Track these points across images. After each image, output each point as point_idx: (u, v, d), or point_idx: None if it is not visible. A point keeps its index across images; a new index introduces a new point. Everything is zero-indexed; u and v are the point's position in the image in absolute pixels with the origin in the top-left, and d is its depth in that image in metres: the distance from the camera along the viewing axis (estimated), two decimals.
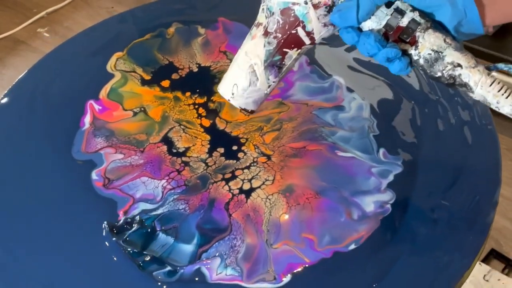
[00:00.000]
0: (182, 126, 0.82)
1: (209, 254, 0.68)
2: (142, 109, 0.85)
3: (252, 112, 0.64)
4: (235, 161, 0.77)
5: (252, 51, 0.60)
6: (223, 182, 0.75)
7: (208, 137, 0.80)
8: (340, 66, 0.89)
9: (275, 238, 0.69)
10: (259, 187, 0.74)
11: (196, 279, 0.66)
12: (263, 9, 0.60)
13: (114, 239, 0.69)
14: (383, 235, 0.69)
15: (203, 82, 0.88)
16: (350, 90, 0.85)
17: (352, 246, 0.68)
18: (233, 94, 0.62)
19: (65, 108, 0.86)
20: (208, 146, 0.79)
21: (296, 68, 0.89)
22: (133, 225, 0.71)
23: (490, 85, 0.54)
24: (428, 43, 0.54)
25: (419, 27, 0.54)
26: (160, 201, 0.73)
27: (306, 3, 0.56)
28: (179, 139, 0.80)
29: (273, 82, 0.61)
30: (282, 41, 0.58)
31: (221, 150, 0.79)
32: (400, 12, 0.54)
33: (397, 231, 0.69)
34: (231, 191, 0.74)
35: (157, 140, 0.80)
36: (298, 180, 0.75)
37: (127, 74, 0.90)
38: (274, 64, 0.60)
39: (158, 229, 0.70)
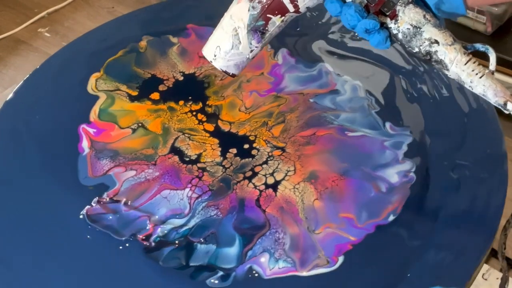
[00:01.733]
0: (186, 135, 0.80)
1: (255, 252, 0.67)
2: (140, 124, 0.82)
3: (233, 75, 0.64)
4: (250, 159, 0.77)
5: (237, 15, 0.61)
6: (246, 181, 0.74)
7: (217, 141, 0.80)
8: (321, 53, 0.91)
9: (315, 223, 0.70)
10: (283, 179, 0.74)
11: (251, 278, 0.65)
12: None
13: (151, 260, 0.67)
14: (417, 201, 0.71)
15: (193, 88, 0.87)
16: (340, 73, 0.88)
17: (391, 218, 0.70)
18: (215, 56, 0.63)
19: (56, 137, 0.82)
20: (219, 149, 0.79)
21: (281, 61, 0.90)
22: (167, 245, 0.69)
23: (465, 64, 0.55)
24: (407, 18, 0.55)
25: (400, 1, 0.55)
26: (189, 213, 0.71)
27: None
28: (188, 147, 0.79)
29: (256, 47, 0.62)
30: (266, 6, 0.59)
31: (234, 150, 0.78)
32: None
33: (428, 196, 0.72)
34: (257, 187, 0.74)
35: (165, 151, 0.78)
36: (318, 165, 0.76)
37: (112, 93, 0.87)
38: (257, 29, 0.61)
39: (195, 241, 0.69)
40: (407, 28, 0.56)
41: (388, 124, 0.80)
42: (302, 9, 0.60)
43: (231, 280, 0.65)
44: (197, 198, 0.73)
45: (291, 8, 0.60)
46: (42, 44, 1.78)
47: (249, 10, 0.60)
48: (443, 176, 0.74)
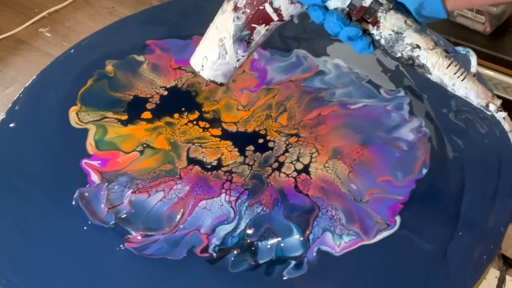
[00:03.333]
0: (196, 144, 0.79)
1: (316, 234, 0.68)
2: (145, 145, 0.79)
3: (221, 84, 0.65)
4: (270, 151, 0.77)
5: (222, 25, 0.62)
6: (276, 172, 0.75)
7: (229, 143, 0.79)
8: (290, 41, 0.93)
9: (359, 194, 0.72)
10: (310, 162, 0.76)
11: (324, 259, 0.66)
12: None
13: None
14: (439, 151, 0.76)
15: (182, 100, 0.85)
16: (316, 55, 0.90)
17: (424, 170, 0.74)
18: (202, 66, 0.64)
19: (58, 179, 0.76)
20: (236, 149, 0.78)
21: (257, 56, 0.91)
22: (228, 251, 0.67)
23: (447, 67, 0.55)
24: (389, 24, 0.56)
25: (381, 7, 0.55)
26: (236, 215, 0.70)
27: None
28: (204, 155, 0.77)
29: (242, 56, 0.63)
30: (251, 16, 0.60)
31: (251, 147, 0.78)
32: None
33: (447, 144, 0.77)
34: (289, 175, 0.74)
35: (184, 164, 0.76)
36: (337, 142, 0.78)
37: (100, 122, 0.82)
38: (242, 38, 0.62)
39: (254, 240, 0.68)
40: (389, 34, 0.56)
41: (382, 90, 0.84)
42: (286, 17, 0.61)
43: (306, 266, 0.65)
44: (236, 200, 0.72)
45: (275, 17, 0.60)
46: (43, 44, 1.78)
47: (234, 21, 0.61)
48: (450, 123, 0.79)
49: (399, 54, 0.56)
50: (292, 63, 0.90)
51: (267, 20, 0.60)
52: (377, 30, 0.56)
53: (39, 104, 0.87)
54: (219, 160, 0.77)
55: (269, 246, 0.67)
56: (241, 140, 0.79)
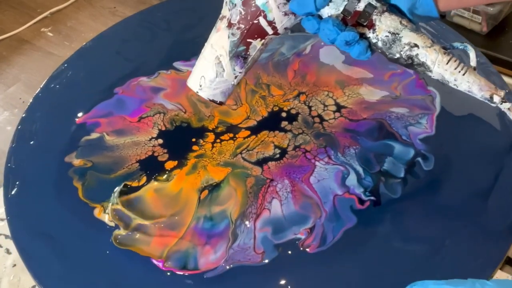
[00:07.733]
0: (243, 151, 0.78)
1: (405, 134, 0.79)
2: (209, 187, 0.75)
3: (221, 103, 0.65)
4: (300, 115, 0.82)
5: (217, 43, 0.62)
6: (325, 123, 0.81)
7: (266, 132, 0.81)
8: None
9: (391, 92, 0.84)
10: (334, 100, 0.84)
11: (429, 143, 0.77)
12: (226, 2, 0.61)
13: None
14: None
15: (182, 135, 0.82)
16: None
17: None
18: (200, 86, 0.63)
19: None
20: (277, 132, 0.80)
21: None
22: (378, 186, 0.73)
23: (447, 63, 0.55)
24: (384, 26, 0.56)
25: (375, 10, 0.56)
26: (344, 166, 0.75)
27: None
28: (262, 152, 0.78)
29: (239, 72, 0.63)
30: (246, 31, 0.60)
31: (285, 123, 0.82)
32: None
33: None
34: (336, 118, 0.82)
35: (259, 170, 0.76)
36: (332, 77, 0.88)
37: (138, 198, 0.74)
38: (239, 54, 0.61)
39: (379, 169, 0.75)
40: (386, 36, 0.56)
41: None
42: (280, 30, 0.61)
43: (430, 155, 0.75)
44: (329, 158, 0.76)
45: (269, 30, 0.60)
46: (45, 44, 1.82)
47: (229, 37, 0.60)
48: None
49: (397, 55, 0.56)
50: None
51: (262, 34, 0.60)
52: (373, 33, 0.56)
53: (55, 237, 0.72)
54: (277, 146, 0.78)
55: (392, 164, 0.75)
56: (269, 125, 0.81)
